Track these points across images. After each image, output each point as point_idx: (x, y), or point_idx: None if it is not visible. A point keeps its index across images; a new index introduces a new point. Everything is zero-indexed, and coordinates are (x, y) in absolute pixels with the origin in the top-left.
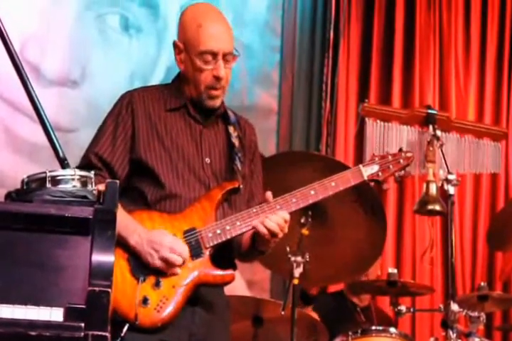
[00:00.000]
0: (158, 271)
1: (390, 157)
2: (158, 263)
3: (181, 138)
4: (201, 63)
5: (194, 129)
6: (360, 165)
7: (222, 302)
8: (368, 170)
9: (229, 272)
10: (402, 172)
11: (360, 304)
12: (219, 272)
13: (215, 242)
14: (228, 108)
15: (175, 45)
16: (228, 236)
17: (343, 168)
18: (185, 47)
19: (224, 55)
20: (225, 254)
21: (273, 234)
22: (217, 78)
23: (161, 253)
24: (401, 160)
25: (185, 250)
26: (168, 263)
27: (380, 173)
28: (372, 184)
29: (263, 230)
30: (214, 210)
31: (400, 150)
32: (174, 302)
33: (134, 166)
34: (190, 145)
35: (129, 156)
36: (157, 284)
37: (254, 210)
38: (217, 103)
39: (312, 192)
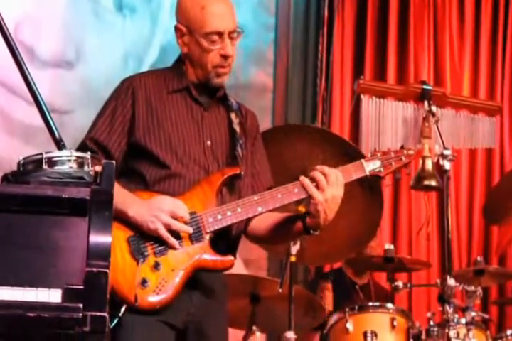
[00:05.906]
0: (158, 252)
1: (392, 153)
2: (160, 229)
3: (182, 121)
4: (208, 44)
5: (195, 112)
6: (362, 160)
7: (220, 285)
8: (370, 165)
9: (229, 258)
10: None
11: (360, 282)
12: (218, 257)
13: (216, 227)
14: (229, 95)
15: (176, 28)
16: (229, 222)
17: (340, 140)
18: (189, 29)
19: (229, 33)
20: (226, 240)
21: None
22: (225, 57)
23: (162, 219)
24: (403, 158)
25: (186, 213)
26: (171, 229)
27: (381, 169)
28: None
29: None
30: (215, 195)
31: (402, 147)
32: (173, 285)
33: (133, 149)
34: (191, 128)
35: (126, 139)
36: (156, 266)
37: (256, 198)
38: (224, 80)
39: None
